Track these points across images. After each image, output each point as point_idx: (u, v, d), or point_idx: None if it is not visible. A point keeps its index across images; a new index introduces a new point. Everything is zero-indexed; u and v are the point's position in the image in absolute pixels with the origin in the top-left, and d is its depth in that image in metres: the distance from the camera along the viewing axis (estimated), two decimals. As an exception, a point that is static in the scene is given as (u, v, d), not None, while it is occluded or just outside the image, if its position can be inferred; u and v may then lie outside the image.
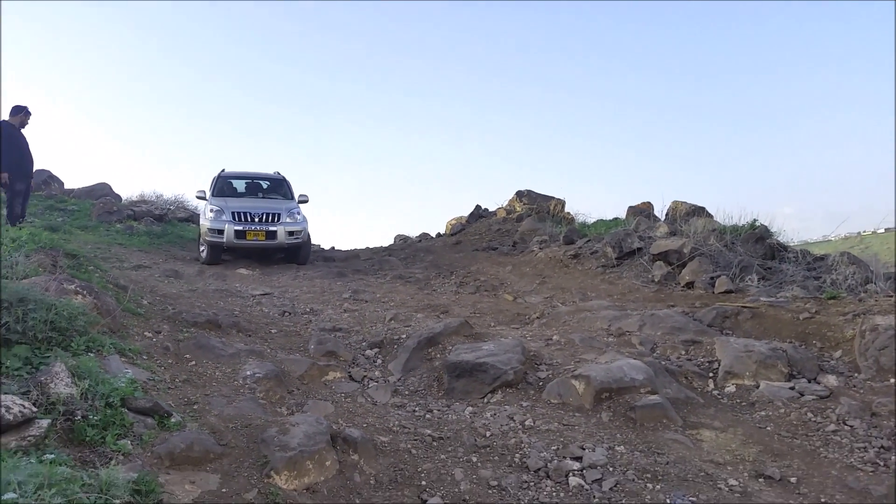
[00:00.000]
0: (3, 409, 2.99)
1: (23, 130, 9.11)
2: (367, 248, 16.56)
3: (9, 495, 2.12)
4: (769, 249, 8.85)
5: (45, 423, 3.11)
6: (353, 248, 16.42)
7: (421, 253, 13.85)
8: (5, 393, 3.23)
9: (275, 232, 11.75)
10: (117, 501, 2.59)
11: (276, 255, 12.64)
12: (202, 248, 11.96)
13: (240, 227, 11.58)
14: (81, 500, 2.44)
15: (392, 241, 17.81)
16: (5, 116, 8.98)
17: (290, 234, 11.91)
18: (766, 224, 9.32)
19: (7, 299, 4.17)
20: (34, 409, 3.13)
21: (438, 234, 16.93)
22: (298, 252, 12.28)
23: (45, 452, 2.87)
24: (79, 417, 3.29)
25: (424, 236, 17.26)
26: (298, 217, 12.28)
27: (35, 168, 9.83)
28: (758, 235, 8.98)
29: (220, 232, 11.48)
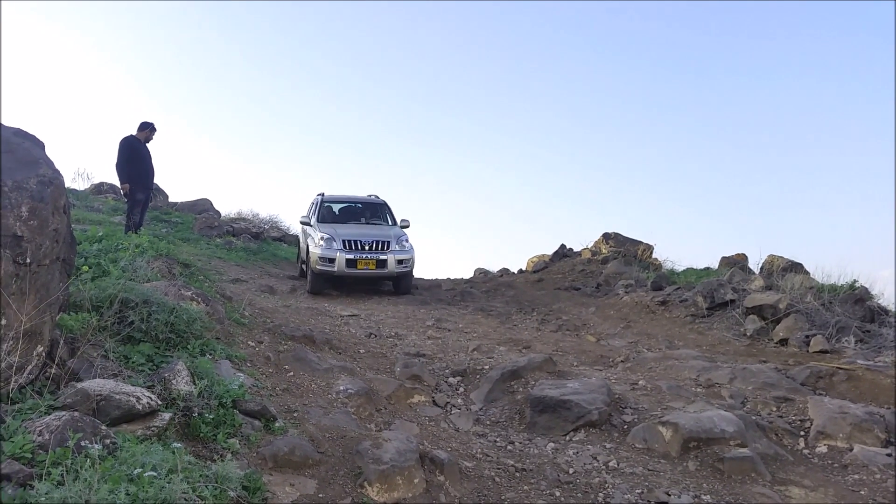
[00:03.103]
0: (134, 399, 3.29)
1: (147, 145, 9.87)
2: (449, 278, 16.78)
3: (150, 473, 2.36)
4: (868, 312, 8.46)
5: (167, 415, 3.40)
6: (434, 278, 16.68)
7: (502, 287, 13.93)
8: (133, 385, 3.55)
9: (385, 261, 11.46)
10: (231, 493, 2.81)
11: (383, 284, 12.33)
12: (309, 276, 11.64)
13: (351, 256, 11.26)
14: (202, 488, 2.66)
15: (473, 274, 17.97)
16: (133, 131, 9.77)
17: (400, 262, 11.63)
18: (866, 286, 8.93)
19: (133, 299, 4.56)
20: (158, 402, 3.43)
21: (520, 271, 16.96)
22: (403, 281, 11.97)
23: (168, 442, 3.13)
24: (195, 414, 3.57)
25: (505, 271, 17.33)
26: (406, 245, 11.99)
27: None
28: (857, 297, 8.61)
29: (332, 261, 11.18)
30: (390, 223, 13.17)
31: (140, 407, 3.27)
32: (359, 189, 17.38)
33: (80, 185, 20.17)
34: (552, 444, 4.78)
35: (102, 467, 2.47)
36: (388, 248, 11.58)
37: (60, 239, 3.56)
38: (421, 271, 17.00)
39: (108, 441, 2.86)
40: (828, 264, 11.67)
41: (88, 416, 3.04)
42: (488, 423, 5.32)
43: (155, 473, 2.40)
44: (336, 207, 13.66)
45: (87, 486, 2.29)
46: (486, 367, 6.44)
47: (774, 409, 5.54)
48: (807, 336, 7.64)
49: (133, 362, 4.00)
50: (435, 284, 14.89)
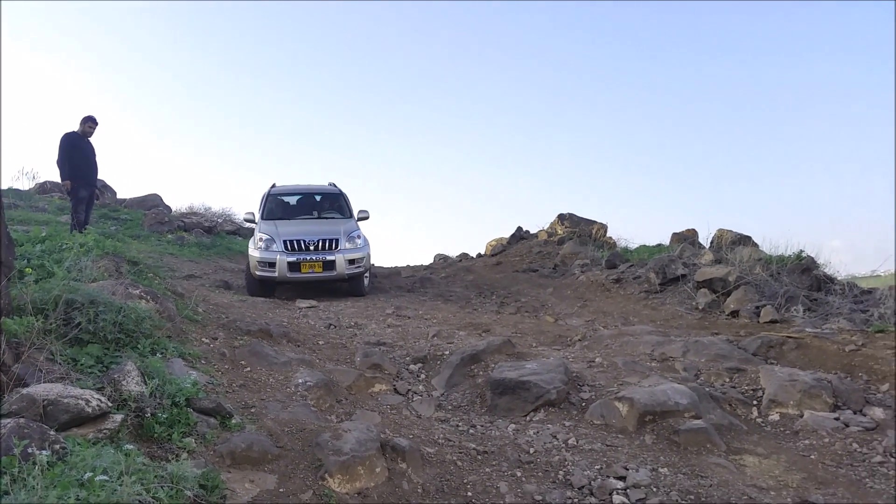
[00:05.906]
0: (83, 403, 3.20)
1: (90, 140, 9.53)
2: (408, 265, 16.76)
3: (101, 477, 2.30)
4: (815, 281, 8.75)
5: (118, 417, 3.32)
6: (393, 266, 16.64)
7: (461, 272, 13.98)
8: (81, 388, 3.45)
9: (333, 262, 10.09)
10: (188, 493, 2.76)
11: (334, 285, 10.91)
12: (246, 279, 10.45)
13: (293, 259, 9.96)
14: (157, 489, 2.61)
15: (432, 260, 17.99)
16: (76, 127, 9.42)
17: (351, 262, 10.25)
18: (812, 255, 9.23)
19: (79, 300, 4.43)
20: (109, 404, 3.35)
21: (479, 255, 17.05)
22: (356, 282, 10.59)
23: (120, 444, 3.06)
24: (148, 414, 3.50)
25: (464, 256, 17.40)
26: (359, 241, 10.59)
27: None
28: (804, 266, 8.90)
29: (272, 265, 9.88)
30: (346, 215, 11.82)
31: (90, 410, 3.18)
32: (315, 179, 17.01)
33: (25, 185, 19.42)
34: (513, 426, 4.83)
35: (51, 473, 2.39)
36: (336, 246, 10.26)
37: (-4, 241, 3.42)
38: (380, 259, 16.88)
39: (57, 446, 2.77)
40: (775, 236, 12.02)
41: (35, 421, 2.94)
42: (450, 408, 5.34)
43: (106, 477, 2.35)
44: (286, 199, 12.40)
45: (34, 493, 2.23)
46: (447, 352, 6.46)
47: (727, 379, 5.70)
48: (757, 307, 7.86)
49: (81, 364, 3.89)
50: (394, 272, 14.85)
